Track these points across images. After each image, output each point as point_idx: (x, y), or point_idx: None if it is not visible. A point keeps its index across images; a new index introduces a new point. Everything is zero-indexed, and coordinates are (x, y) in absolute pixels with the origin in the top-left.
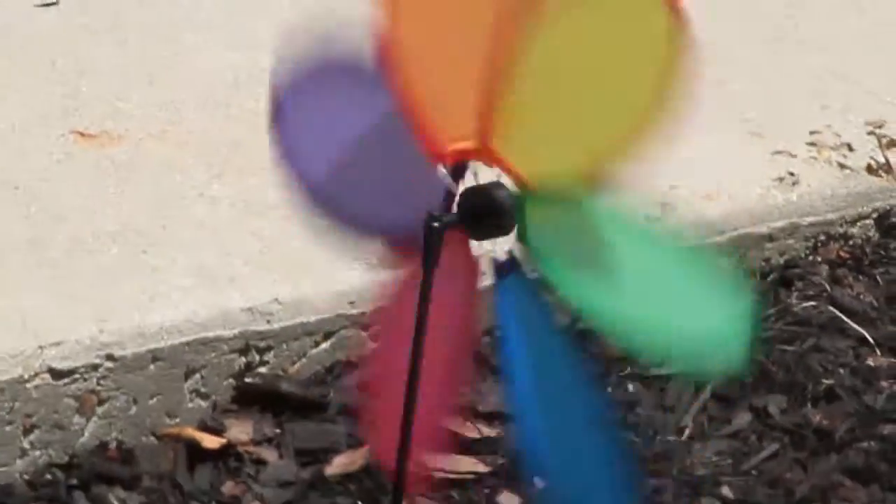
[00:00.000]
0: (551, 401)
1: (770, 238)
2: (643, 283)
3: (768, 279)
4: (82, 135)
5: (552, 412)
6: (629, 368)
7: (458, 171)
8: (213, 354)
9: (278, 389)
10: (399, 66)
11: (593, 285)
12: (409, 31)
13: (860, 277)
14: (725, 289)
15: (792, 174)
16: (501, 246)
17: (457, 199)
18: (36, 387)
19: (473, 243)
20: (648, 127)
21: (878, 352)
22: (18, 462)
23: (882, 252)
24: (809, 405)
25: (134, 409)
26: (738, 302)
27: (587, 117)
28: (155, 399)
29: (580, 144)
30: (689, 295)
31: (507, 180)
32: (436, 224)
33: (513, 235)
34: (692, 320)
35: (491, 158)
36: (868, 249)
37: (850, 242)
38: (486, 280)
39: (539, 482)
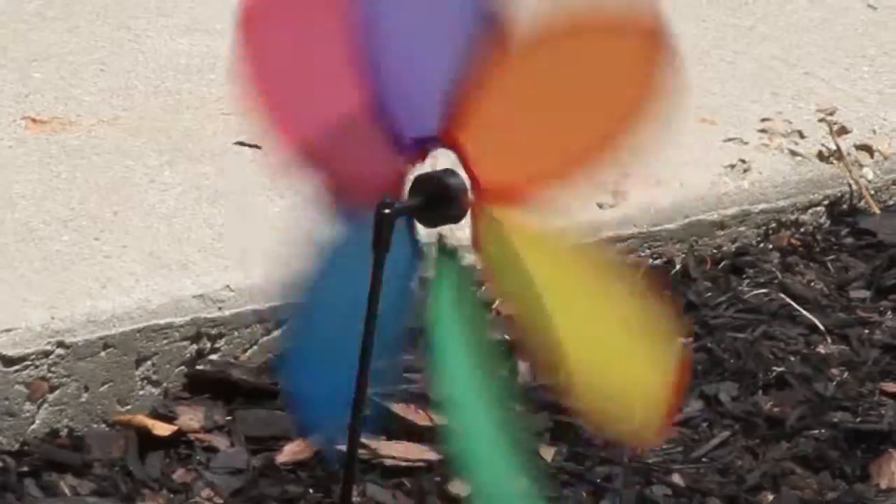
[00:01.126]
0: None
1: (721, 225)
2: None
3: (719, 266)
4: (34, 120)
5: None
6: None
7: (415, 159)
8: (164, 342)
9: (229, 377)
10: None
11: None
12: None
13: (811, 265)
14: None
15: (743, 161)
16: (454, 233)
17: (408, 185)
18: None
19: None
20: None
21: (829, 339)
22: None
23: (833, 239)
24: (760, 393)
25: (85, 396)
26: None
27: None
28: (106, 386)
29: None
30: None
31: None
32: (387, 211)
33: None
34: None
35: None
36: (819, 237)
37: (802, 230)
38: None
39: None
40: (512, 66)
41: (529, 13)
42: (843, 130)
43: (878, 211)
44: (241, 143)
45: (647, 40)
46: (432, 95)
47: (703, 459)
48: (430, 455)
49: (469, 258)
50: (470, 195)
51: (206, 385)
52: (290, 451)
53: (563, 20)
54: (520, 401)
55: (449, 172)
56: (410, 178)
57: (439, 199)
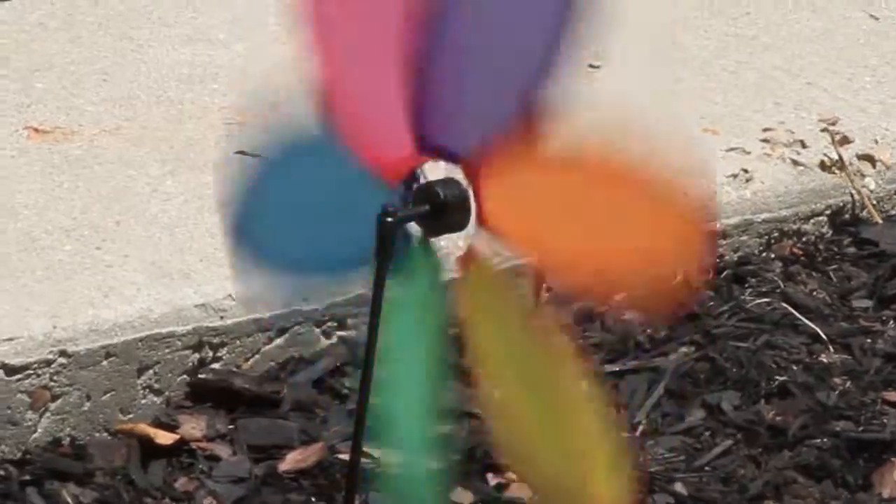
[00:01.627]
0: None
1: (724, 235)
2: None
3: (722, 276)
4: (36, 130)
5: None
6: (583, 365)
7: (409, 177)
8: (166, 350)
9: (231, 385)
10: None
11: None
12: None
13: (813, 274)
14: None
15: (746, 171)
16: (455, 242)
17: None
18: None
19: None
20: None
21: (831, 348)
22: None
23: (835, 249)
24: (762, 402)
25: (87, 405)
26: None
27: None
28: (108, 395)
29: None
30: None
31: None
32: (389, 219)
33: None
34: None
35: (470, 173)
36: (821, 246)
37: (804, 239)
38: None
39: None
40: (545, 161)
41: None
42: (846, 140)
43: (880, 220)
44: (243, 153)
45: (685, 224)
46: (474, 119)
47: (706, 468)
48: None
49: (450, 270)
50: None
51: (208, 394)
52: (293, 460)
53: (613, 161)
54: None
55: (453, 182)
56: (415, 185)
57: (442, 208)
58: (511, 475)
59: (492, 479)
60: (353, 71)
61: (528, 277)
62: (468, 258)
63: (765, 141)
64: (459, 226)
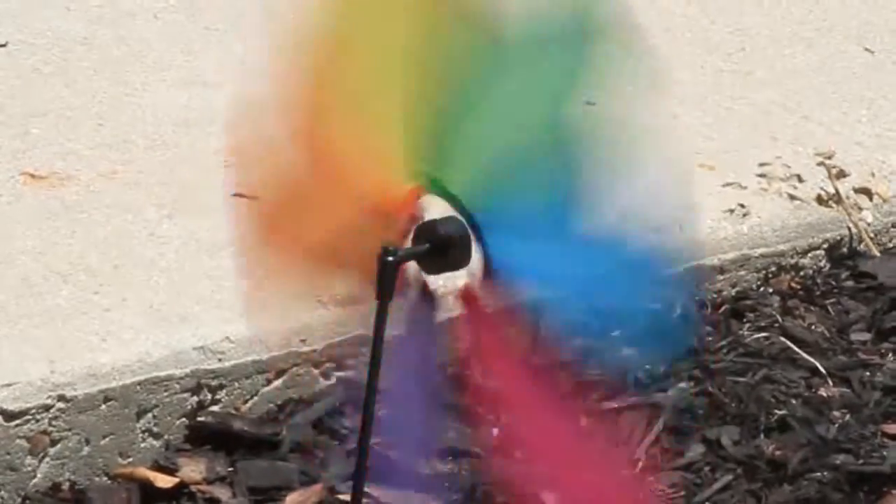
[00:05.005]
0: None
1: (721, 270)
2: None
3: (720, 311)
4: (32, 176)
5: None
6: (582, 401)
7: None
8: (165, 394)
9: (231, 428)
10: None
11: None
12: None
13: (812, 308)
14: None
15: (742, 206)
16: (455, 280)
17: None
18: None
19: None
20: None
21: (830, 382)
22: None
23: (833, 282)
24: (762, 436)
25: (86, 450)
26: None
27: None
28: (107, 439)
29: None
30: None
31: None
32: (390, 258)
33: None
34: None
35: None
36: (819, 280)
37: (802, 273)
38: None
39: None
40: None
41: None
42: (842, 174)
43: (877, 254)
44: (240, 195)
45: None
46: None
47: (706, 503)
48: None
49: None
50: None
51: (207, 436)
52: (293, 501)
53: None
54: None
55: (452, 220)
56: (413, 226)
57: (442, 247)
58: None
59: None
60: None
61: (526, 315)
62: (468, 296)
63: (761, 175)
64: (461, 263)
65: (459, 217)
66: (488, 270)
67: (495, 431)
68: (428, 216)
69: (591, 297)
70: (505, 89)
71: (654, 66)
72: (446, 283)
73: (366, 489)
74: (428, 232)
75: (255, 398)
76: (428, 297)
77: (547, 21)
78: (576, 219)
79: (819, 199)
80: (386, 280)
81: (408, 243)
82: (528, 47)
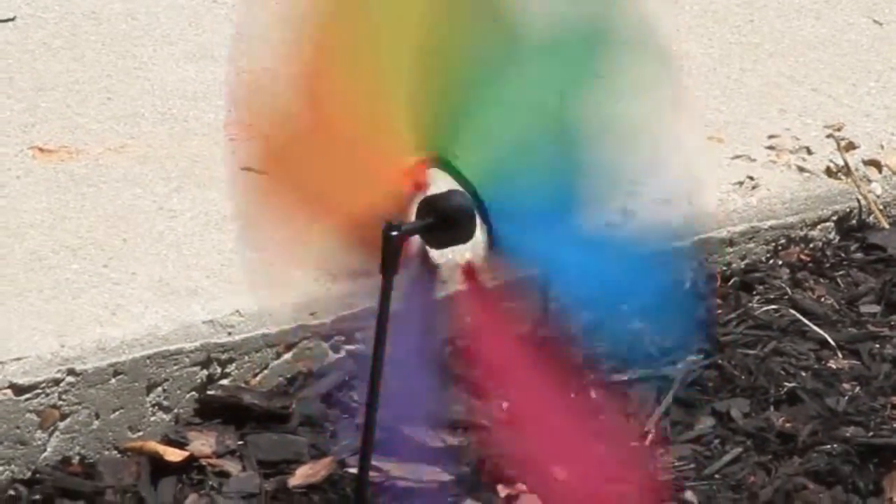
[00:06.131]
0: None
1: (730, 242)
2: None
3: (729, 283)
4: (41, 150)
5: None
6: (592, 375)
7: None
8: (174, 367)
9: (240, 401)
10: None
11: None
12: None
13: (821, 280)
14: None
15: (751, 178)
16: (462, 254)
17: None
18: None
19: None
20: None
21: (840, 354)
22: None
23: (842, 254)
24: (772, 409)
25: (96, 424)
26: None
27: None
28: (117, 413)
29: None
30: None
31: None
32: (393, 233)
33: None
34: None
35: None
36: (828, 252)
37: (811, 245)
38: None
39: None
40: None
41: None
42: (851, 146)
43: (887, 226)
44: (249, 169)
45: None
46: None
47: (716, 476)
48: (443, 476)
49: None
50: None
51: (217, 410)
52: (303, 475)
53: None
54: None
55: (456, 193)
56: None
57: (446, 221)
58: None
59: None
60: None
61: (533, 289)
62: (472, 270)
63: (770, 148)
64: (465, 238)
65: (464, 191)
66: (492, 245)
67: (503, 405)
68: (432, 190)
69: (598, 275)
70: (519, 78)
71: (672, 68)
72: (454, 257)
73: (375, 462)
74: (432, 206)
75: (265, 372)
76: (429, 269)
77: (565, 20)
78: (581, 199)
79: (828, 172)
80: (390, 254)
81: (412, 217)
82: (545, 42)
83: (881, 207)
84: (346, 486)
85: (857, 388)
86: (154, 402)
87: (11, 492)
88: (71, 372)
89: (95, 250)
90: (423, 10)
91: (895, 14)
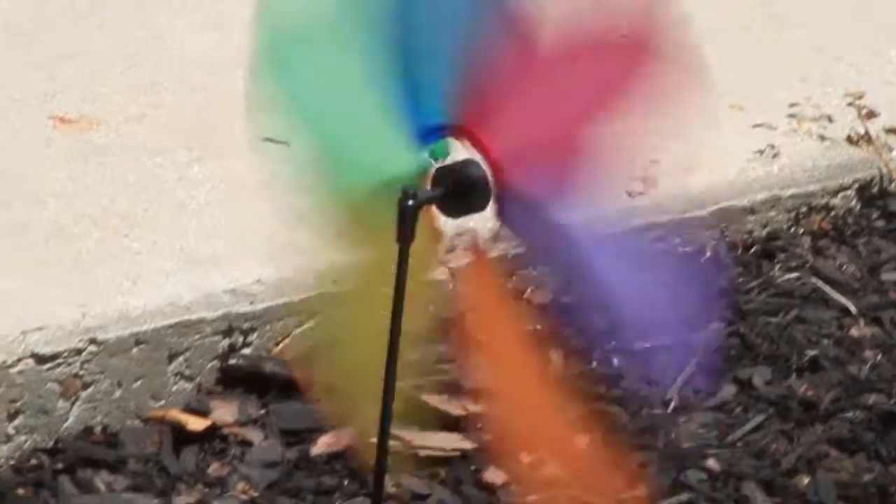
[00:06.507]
0: None
1: (752, 211)
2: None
3: (751, 252)
4: (62, 120)
5: None
6: (613, 342)
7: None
8: (196, 336)
9: (262, 370)
10: None
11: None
12: None
13: (842, 248)
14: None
15: (772, 146)
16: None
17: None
18: (20, 372)
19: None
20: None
21: (862, 322)
22: (3, 447)
23: (864, 222)
24: (794, 376)
25: (118, 393)
26: None
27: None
28: (139, 382)
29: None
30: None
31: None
32: (410, 202)
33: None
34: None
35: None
36: (850, 220)
37: (832, 213)
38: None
39: None
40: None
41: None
42: (872, 114)
43: None
44: (269, 140)
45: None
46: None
47: (738, 443)
48: (465, 444)
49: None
50: (492, 186)
51: (239, 379)
52: (325, 443)
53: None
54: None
55: (471, 163)
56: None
57: (462, 189)
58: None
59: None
60: None
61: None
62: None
63: (791, 116)
64: (479, 207)
65: (478, 160)
66: (503, 218)
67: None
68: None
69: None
70: None
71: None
72: (475, 227)
73: (398, 432)
74: (447, 175)
75: (287, 340)
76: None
77: None
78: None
79: (849, 140)
80: (406, 224)
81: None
82: None
83: None
84: (368, 455)
85: (879, 356)
86: (176, 371)
87: (34, 461)
88: (93, 341)
89: (116, 220)
90: None
91: None
